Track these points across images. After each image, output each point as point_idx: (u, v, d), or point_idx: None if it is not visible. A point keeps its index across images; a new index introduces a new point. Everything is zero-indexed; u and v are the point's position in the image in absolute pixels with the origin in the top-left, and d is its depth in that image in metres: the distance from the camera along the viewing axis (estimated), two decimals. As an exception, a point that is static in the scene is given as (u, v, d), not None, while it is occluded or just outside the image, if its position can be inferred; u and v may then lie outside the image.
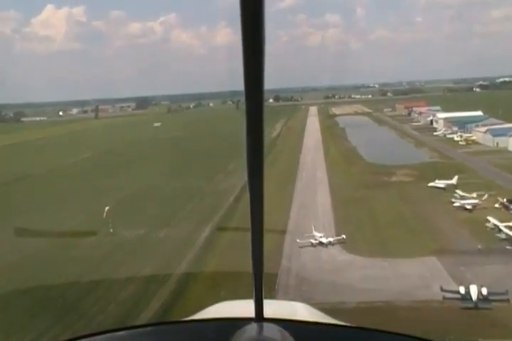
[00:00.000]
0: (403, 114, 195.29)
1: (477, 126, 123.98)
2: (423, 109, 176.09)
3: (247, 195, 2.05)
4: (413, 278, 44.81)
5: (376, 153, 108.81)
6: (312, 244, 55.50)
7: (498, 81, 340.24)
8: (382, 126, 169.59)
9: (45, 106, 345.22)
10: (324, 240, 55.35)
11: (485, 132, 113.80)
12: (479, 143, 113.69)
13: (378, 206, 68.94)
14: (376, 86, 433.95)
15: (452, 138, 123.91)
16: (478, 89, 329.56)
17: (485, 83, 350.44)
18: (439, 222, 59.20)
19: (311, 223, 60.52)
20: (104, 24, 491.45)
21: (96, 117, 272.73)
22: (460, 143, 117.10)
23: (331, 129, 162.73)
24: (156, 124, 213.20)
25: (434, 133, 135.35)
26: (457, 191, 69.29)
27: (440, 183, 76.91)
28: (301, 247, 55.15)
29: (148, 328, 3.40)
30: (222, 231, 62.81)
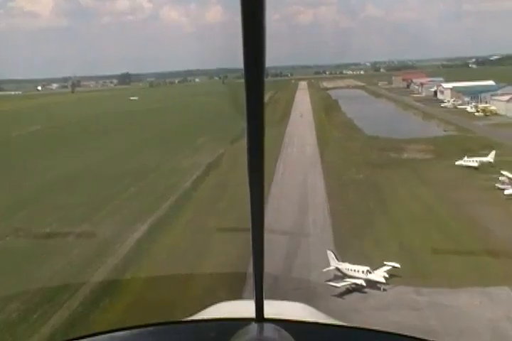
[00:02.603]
0: (401, 86, 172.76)
1: (494, 95, 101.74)
2: (424, 80, 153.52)
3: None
4: (484, 336, 23.19)
5: (378, 126, 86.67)
6: (354, 286, 29.92)
7: (493, 58, 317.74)
8: (380, 98, 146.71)
9: (27, 82, 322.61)
10: (377, 277, 29.88)
11: (508, 101, 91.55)
12: (500, 114, 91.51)
13: (390, 192, 47.01)
14: (367, 64, 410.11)
15: (465, 109, 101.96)
16: (474, 66, 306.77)
17: (480, 60, 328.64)
18: (492, 221, 37.17)
19: (301, 224, 38.85)
20: (91, 0, 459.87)
21: (72, 91, 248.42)
22: (476, 114, 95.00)
23: (322, 101, 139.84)
24: (132, 98, 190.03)
25: (442, 105, 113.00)
26: (504, 172, 47.27)
27: (471, 161, 55.16)
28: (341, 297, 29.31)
29: (148, 328, 3.17)
30: (164, 232, 41.01)
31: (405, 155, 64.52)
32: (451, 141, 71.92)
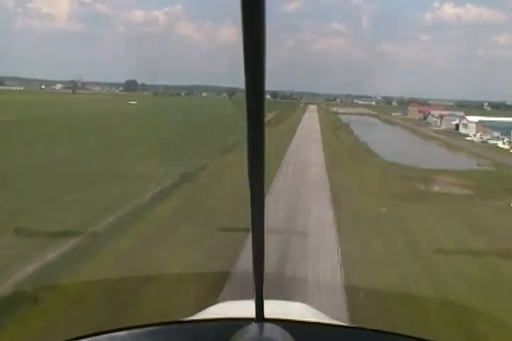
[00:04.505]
0: (416, 118, 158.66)
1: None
2: (444, 113, 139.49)
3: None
4: None
5: (397, 152, 72.25)
6: None
7: (509, 103, 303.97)
8: (395, 126, 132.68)
9: (33, 81, 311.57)
10: None
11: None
12: (540, 154, 77.13)
13: (427, 238, 31.69)
14: (378, 97, 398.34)
15: (495, 145, 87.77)
16: (488, 108, 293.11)
17: (494, 104, 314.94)
18: None
19: (299, 281, 23.37)
20: (107, 8, 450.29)
21: (73, 92, 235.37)
22: (511, 151, 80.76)
23: (332, 123, 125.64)
24: (131, 102, 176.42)
25: (467, 138, 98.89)
26: None
27: (534, 205, 40.28)
28: None
29: (148, 328, 3.08)
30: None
31: (436, 188, 49.52)
32: (490, 176, 57.08)
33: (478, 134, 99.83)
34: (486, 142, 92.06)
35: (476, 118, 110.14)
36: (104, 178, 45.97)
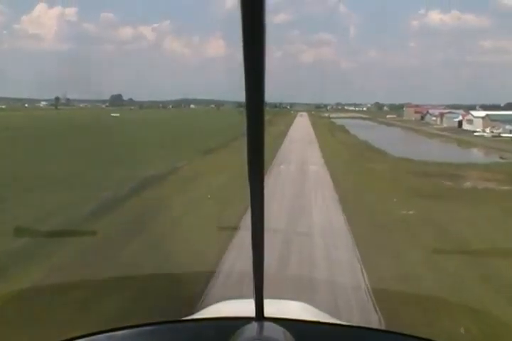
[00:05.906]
0: (413, 119, 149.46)
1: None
2: (444, 111, 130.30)
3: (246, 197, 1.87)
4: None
5: (404, 148, 62.70)
6: None
7: (502, 105, 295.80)
8: (392, 127, 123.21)
9: (18, 101, 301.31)
10: None
11: None
12: None
13: (488, 249, 21.76)
14: (369, 105, 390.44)
15: (510, 138, 78.39)
16: (480, 109, 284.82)
17: (487, 106, 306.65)
18: None
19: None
20: (94, 26, 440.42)
21: (56, 107, 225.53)
22: (530, 144, 71.12)
23: (326, 126, 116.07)
24: (113, 114, 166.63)
25: (475, 134, 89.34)
26: None
27: None
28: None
29: (147, 327, 3.01)
30: None
31: (468, 184, 39.37)
32: (523, 169, 47.21)
33: (488, 129, 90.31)
34: (499, 136, 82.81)
35: (482, 113, 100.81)
36: (50, 183, 35.56)
